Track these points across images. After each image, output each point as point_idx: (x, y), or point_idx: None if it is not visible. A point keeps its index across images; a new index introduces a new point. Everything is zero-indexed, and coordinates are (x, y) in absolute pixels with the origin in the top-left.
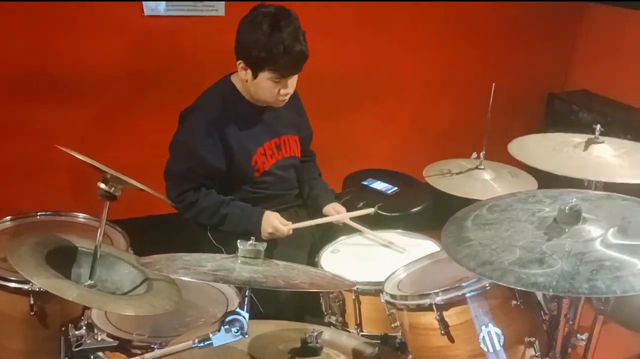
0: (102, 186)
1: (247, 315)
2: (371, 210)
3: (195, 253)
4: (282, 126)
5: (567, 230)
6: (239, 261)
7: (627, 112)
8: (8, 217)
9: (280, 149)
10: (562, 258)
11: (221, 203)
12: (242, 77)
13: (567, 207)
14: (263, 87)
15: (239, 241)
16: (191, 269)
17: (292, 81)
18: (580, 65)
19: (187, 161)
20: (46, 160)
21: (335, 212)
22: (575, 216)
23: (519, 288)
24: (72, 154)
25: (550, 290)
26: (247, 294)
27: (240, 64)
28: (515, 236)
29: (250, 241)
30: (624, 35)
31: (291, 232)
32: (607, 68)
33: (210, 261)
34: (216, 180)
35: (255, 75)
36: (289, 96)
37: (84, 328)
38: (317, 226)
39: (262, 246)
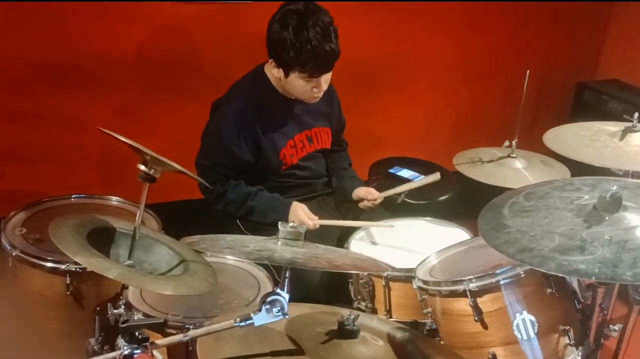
0: (142, 167)
1: (287, 296)
2: (391, 224)
3: (235, 234)
4: (313, 118)
5: (607, 218)
6: (279, 243)
7: None
8: (43, 200)
9: (312, 142)
10: (603, 246)
11: (248, 195)
12: (275, 75)
13: (607, 195)
14: (295, 86)
15: (280, 222)
16: (236, 249)
17: (326, 78)
18: (611, 55)
19: (215, 154)
20: (77, 145)
21: (366, 193)
22: (616, 204)
23: (559, 275)
24: (114, 136)
25: (593, 277)
26: (287, 275)
27: (272, 63)
28: (554, 223)
29: (291, 223)
30: None
31: (317, 227)
32: (638, 57)
33: (252, 242)
34: (245, 172)
35: (286, 75)
36: (322, 93)
37: (122, 307)
38: (346, 212)
39: (303, 229)
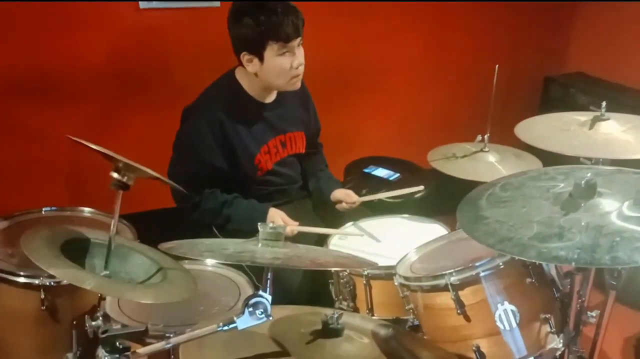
0: (115, 175)
1: (269, 297)
2: (359, 233)
3: (214, 238)
4: (287, 123)
5: (582, 204)
6: (260, 244)
7: (624, 93)
8: (13, 214)
9: (285, 146)
10: (581, 232)
11: (224, 203)
12: (250, 71)
13: (582, 182)
14: (274, 68)
15: (259, 223)
16: (216, 251)
17: (300, 52)
18: (577, 48)
19: (188, 162)
20: (43, 157)
21: (345, 196)
22: (590, 190)
23: (540, 262)
24: (86, 144)
25: (573, 263)
26: (269, 276)
27: (245, 57)
28: (532, 212)
29: (271, 224)
30: (620, 17)
31: (295, 233)
32: (603, 50)
33: (232, 244)
34: (219, 179)
35: (261, 58)
36: (302, 69)
37: (100, 319)
38: (323, 214)
39: (283, 229)
